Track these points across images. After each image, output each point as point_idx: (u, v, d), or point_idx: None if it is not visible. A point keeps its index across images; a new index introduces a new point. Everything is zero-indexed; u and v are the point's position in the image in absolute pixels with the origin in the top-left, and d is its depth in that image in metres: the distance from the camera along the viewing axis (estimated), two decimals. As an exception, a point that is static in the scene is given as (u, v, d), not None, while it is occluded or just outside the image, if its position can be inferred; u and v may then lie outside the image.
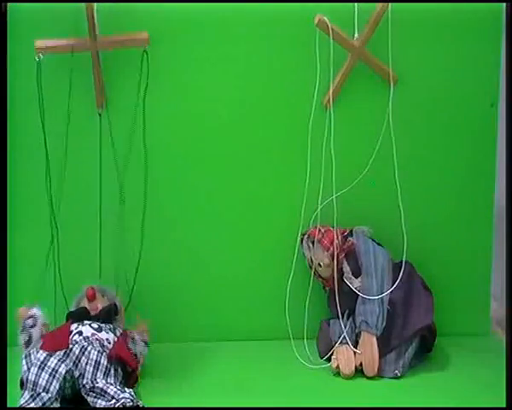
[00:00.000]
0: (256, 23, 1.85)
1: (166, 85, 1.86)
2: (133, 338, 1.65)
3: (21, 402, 1.42)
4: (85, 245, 1.91)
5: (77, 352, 1.51)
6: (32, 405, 1.41)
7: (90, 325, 1.61)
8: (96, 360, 1.51)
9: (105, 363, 1.51)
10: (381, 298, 1.75)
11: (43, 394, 1.42)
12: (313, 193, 1.87)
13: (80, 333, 1.57)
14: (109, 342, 1.58)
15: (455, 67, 1.95)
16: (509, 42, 1.83)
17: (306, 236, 1.88)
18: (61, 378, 1.45)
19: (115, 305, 1.74)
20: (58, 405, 1.44)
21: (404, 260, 1.83)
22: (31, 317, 1.63)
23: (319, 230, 1.83)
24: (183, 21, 1.82)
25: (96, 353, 1.52)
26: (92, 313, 1.68)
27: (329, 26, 1.76)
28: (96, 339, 1.56)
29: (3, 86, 1.77)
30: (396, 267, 1.79)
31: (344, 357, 1.71)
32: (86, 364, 1.50)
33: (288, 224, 1.89)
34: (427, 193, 1.99)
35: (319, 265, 1.84)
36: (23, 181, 1.89)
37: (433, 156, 1.98)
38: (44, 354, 1.48)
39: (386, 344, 1.72)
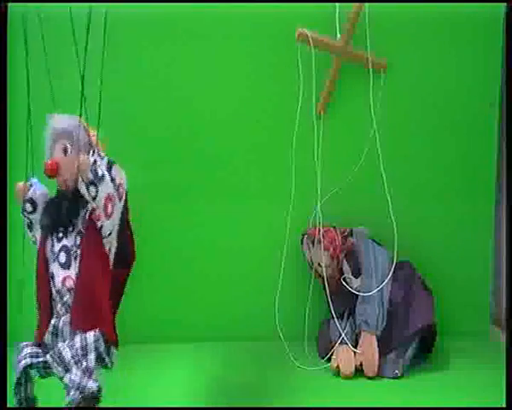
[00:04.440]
0: (238, 31, 1.89)
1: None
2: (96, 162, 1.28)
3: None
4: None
5: (50, 335, 1.29)
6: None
7: (57, 256, 1.29)
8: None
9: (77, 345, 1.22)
10: (381, 298, 1.75)
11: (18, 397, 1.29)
12: (311, 193, 1.88)
13: (53, 279, 1.28)
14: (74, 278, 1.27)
15: (454, 68, 1.96)
16: (508, 42, 1.83)
17: (306, 236, 1.88)
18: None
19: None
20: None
21: (396, 258, 1.83)
22: (30, 202, 1.34)
23: (319, 230, 1.83)
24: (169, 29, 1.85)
25: (68, 331, 1.26)
26: (61, 192, 1.31)
27: (310, 36, 1.80)
28: (67, 290, 1.26)
29: (3, 86, 1.77)
30: (396, 267, 1.79)
31: (344, 357, 1.71)
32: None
33: (288, 224, 1.89)
34: (427, 193, 2.00)
35: (319, 265, 1.84)
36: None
37: (433, 157, 1.99)
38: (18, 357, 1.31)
39: (386, 344, 1.72)
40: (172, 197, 1.91)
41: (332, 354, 1.75)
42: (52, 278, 1.28)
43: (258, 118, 1.93)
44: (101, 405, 1.22)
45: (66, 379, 1.20)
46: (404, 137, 1.97)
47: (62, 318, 1.27)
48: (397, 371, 1.69)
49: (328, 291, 1.80)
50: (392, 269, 1.77)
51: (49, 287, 1.29)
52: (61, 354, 1.21)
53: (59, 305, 1.28)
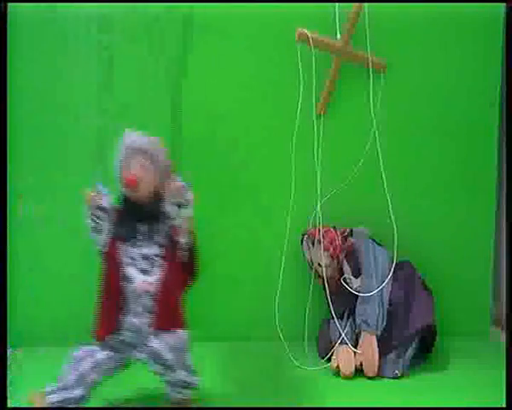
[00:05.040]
0: (237, 31, 1.89)
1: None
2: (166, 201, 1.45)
3: (46, 389, 1.40)
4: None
5: (129, 338, 1.42)
6: (56, 397, 1.38)
7: (136, 261, 1.42)
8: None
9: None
10: (381, 298, 1.75)
11: (67, 390, 1.40)
12: (311, 193, 1.88)
13: (129, 281, 1.41)
14: (155, 285, 1.42)
15: (454, 68, 1.96)
16: (508, 42, 1.83)
17: (306, 236, 1.88)
18: (88, 387, 1.41)
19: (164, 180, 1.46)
20: (81, 404, 1.41)
21: (396, 258, 1.83)
22: (102, 209, 1.44)
23: (319, 230, 1.83)
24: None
25: (147, 330, 1.41)
26: (138, 204, 1.44)
27: (310, 36, 1.80)
28: (145, 293, 1.40)
29: (3, 86, 1.77)
30: (396, 267, 1.79)
31: (344, 357, 1.71)
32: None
33: (288, 224, 1.89)
34: (427, 193, 2.00)
35: (319, 265, 1.84)
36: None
37: (434, 157, 1.99)
38: (82, 353, 1.42)
39: (386, 344, 1.72)
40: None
41: (332, 354, 1.75)
42: (127, 280, 1.41)
43: (258, 118, 1.93)
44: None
45: (169, 377, 1.41)
46: (404, 137, 1.97)
47: (142, 319, 1.41)
48: (397, 372, 1.69)
49: (328, 291, 1.80)
50: (392, 269, 1.77)
51: (120, 288, 1.41)
52: (160, 354, 1.39)
53: (136, 305, 1.41)
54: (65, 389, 1.40)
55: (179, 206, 1.44)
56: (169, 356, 1.40)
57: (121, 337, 1.42)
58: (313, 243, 1.85)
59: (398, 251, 1.76)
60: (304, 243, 1.90)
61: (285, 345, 1.81)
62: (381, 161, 1.84)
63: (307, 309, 1.94)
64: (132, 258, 1.43)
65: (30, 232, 1.90)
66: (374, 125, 1.88)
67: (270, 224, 1.96)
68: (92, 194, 1.43)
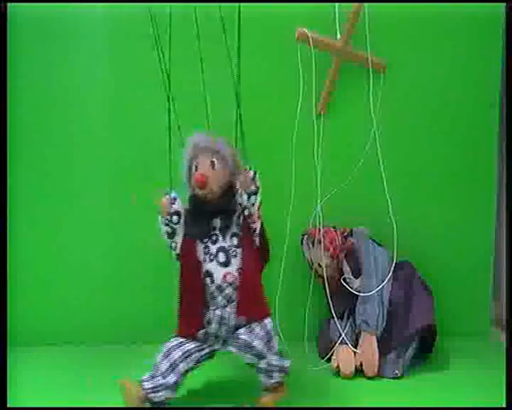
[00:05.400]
0: (235, 31, 1.88)
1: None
2: (238, 192, 1.53)
3: (143, 377, 1.45)
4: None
5: (216, 329, 1.48)
6: (149, 385, 1.43)
7: (215, 256, 1.48)
8: (236, 325, 1.48)
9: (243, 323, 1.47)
10: (381, 298, 1.75)
11: (161, 381, 1.44)
12: (311, 193, 1.88)
13: (210, 276, 1.46)
14: (237, 275, 1.48)
15: (454, 68, 1.96)
16: (509, 42, 1.83)
17: (306, 236, 1.88)
18: (179, 374, 1.46)
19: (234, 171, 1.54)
20: (169, 395, 1.45)
21: (396, 258, 1.83)
22: (176, 214, 1.50)
23: (319, 230, 1.83)
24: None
25: (233, 319, 1.47)
26: (209, 202, 1.50)
27: (310, 36, 1.80)
28: (228, 285, 1.46)
29: (3, 86, 1.77)
30: (396, 267, 1.78)
31: (344, 357, 1.71)
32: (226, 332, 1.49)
33: (288, 224, 1.89)
34: (427, 193, 2.00)
35: (319, 265, 1.84)
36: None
37: (434, 157, 1.99)
38: (174, 343, 1.48)
39: (386, 344, 1.72)
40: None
41: (332, 354, 1.75)
42: (209, 275, 1.47)
43: (258, 118, 1.93)
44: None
45: (263, 365, 1.47)
46: (404, 137, 1.97)
47: (227, 309, 1.47)
48: (397, 372, 1.69)
49: (328, 291, 1.80)
50: (392, 269, 1.77)
51: (202, 284, 1.47)
52: (250, 344, 1.45)
53: (219, 298, 1.46)
54: (158, 376, 1.45)
55: (251, 194, 1.51)
56: (258, 345, 1.45)
57: (207, 330, 1.48)
58: (313, 243, 1.85)
59: (398, 251, 1.76)
60: (304, 243, 1.90)
61: (285, 345, 1.81)
62: (380, 160, 1.84)
63: (307, 309, 1.94)
64: (211, 253, 1.48)
65: (30, 232, 1.90)
66: (374, 125, 1.88)
67: (270, 224, 1.95)
68: (165, 200, 1.48)
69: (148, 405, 1.45)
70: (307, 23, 1.82)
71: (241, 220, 1.54)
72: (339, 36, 1.85)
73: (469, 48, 1.95)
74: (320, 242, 1.81)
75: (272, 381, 1.49)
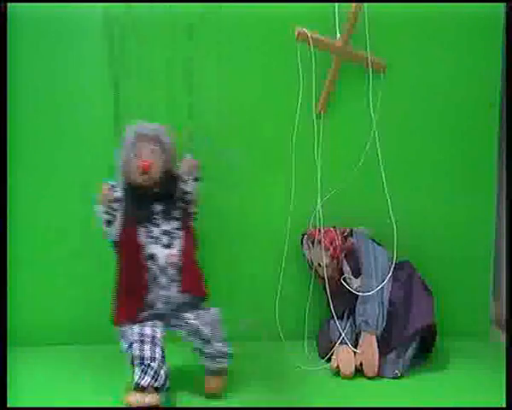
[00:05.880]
0: (237, 31, 1.89)
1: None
2: (182, 178, 1.61)
3: (135, 379, 1.45)
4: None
5: (162, 309, 1.54)
6: (147, 379, 1.44)
7: (159, 238, 1.54)
8: (180, 303, 1.55)
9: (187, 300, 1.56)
10: (381, 298, 1.75)
11: (152, 364, 1.46)
12: (312, 193, 1.88)
13: (154, 258, 1.53)
14: (178, 256, 1.55)
15: (454, 68, 1.96)
16: (509, 42, 1.83)
17: (306, 236, 1.88)
18: (160, 343, 1.49)
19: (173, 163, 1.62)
20: (166, 368, 1.49)
21: (396, 258, 1.83)
22: (116, 201, 1.56)
23: (319, 230, 1.83)
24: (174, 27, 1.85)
25: (177, 297, 1.54)
26: (147, 188, 1.57)
27: (310, 36, 1.80)
28: (171, 265, 1.53)
29: (3, 86, 1.77)
30: (396, 267, 1.78)
31: (344, 357, 1.71)
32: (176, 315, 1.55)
33: (288, 223, 1.89)
34: (427, 193, 2.00)
35: (319, 265, 1.84)
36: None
37: (434, 157, 1.99)
38: (138, 329, 1.50)
39: (386, 344, 1.72)
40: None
41: (332, 354, 1.75)
42: (152, 258, 1.53)
43: (257, 118, 1.93)
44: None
45: (209, 349, 1.56)
46: (404, 137, 1.97)
47: (171, 288, 1.54)
48: (397, 372, 1.69)
49: (328, 291, 1.80)
50: (392, 269, 1.77)
51: (145, 268, 1.53)
52: (199, 330, 1.54)
53: (164, 279, 1.53)
54: (147, 364, 1.46)
55: (192, 181, 1.61)
56: (206, 330, 1.54)
57: (154, 311, 1.53)
58: (313, 243, 1.85)
59: (398, 251, 1.76)
60: (304, 243, 1.90)
61: (285, 345, 1.81)
62: (380, 160, 1.84)
63: (307, 309, 1.94)
64: (154, 236, 1.55)
65: (30, 232, 1.90)
66: (374, 125, 1.88)
67: (270, 224, 1.95)
68: (105, 188, 1.53)
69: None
70: (307, 23, 1.82)
71: (181, 205, 1.61)
72: (339, 36, 1.85)
73: (469, 48, 1.95)
74: (320, 242, 1.81)
75: (217, 365, 1.57)
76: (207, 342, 1.55)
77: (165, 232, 1.56)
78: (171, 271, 1.54)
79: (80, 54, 1.86)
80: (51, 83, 1.87)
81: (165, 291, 1.54)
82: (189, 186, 1.61)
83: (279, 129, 1.90)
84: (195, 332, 1.54)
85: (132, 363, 1.48)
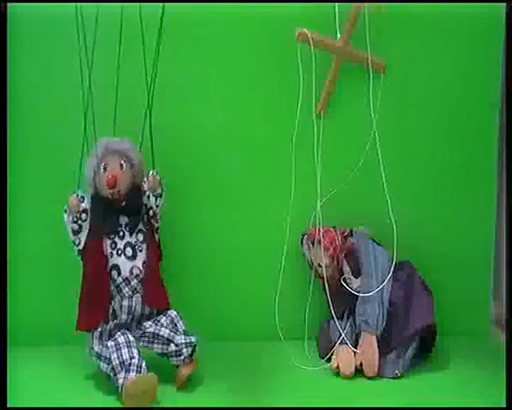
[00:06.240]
0: (237, 31, 1.88)
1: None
2: (145, 193, 1.67)
3: (120, 382, 1.48)
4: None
5: (124, 319, 1.61)
6: (132, 374, 1.48)
7: (123, 250, 1.62)
8: (142, 313, 1.64)
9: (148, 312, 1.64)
10: (381, 298, 1.75)
11: (132, 361, 1.50)
12: (312, 193, 1.87)
13: (117, 269, 1.60)
14: (142, 268, 1.63)
15: (454, 68, 1.96)
16: (509, 42, 1.83)
17: (306, 236, 1.88)
18: (135, 343, 1.56)
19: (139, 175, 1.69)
20: (144, 362, 1.52)
21: (396, 258, 1.83)
22: (84, 211, 1.63)
23: (319, 230, 1.83)
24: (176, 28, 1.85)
25: (139, 308, 1.62)
26: (114, 201, 1.64)
27: (310, 36, 1.80)
28: (134, 277, 1.61)
29: (3, 86, 1.77)
30: (396, 267, 1.78)
31: (344, 357, 1.71)
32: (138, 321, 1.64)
33: (287, 223, 1.89)
34: (427, 193, 2.00)
35: (319, 265, 1.84)
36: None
37: (434, 157, 1.99)
38: (111, 342, 1.54)
39: (386, 344, 1.72)
40: (168, 197, 1.90)
41: (332, 354, 1.75)
42: (116, 269, 1.60)
43: (257, 118, 1.93)
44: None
45: (172, 347, 1.59)
46: (404, 137, 1.97)
47: (133, 298, 1.61)
48: (397, 372, 1.69)
49: (328, 291, 1.80)
50: (392, 269, 1.77)
51: (108, 278, 1.59)
52: (158, 334, 1.59)
53: (126, 289, 1.60)
54: (128, 363, 1.50)
55: (157, 196, 1.67)
56: (164, 332, 1.59)
57: (117, 321, 1.61)
58: (313, 243, 1.85)
59: (398, 251, 1.76)
60: (304, 243, 1.90)
61: (285, 345, 1.81)
62: (380, 160, 1.84)
63: (307, 309, 1.94)
64: (119, 248, 1.62)
65: (30, 232, 1.90)
66: (374, 125, 1.88)
67: (270, 224, 1.95)
68: (74, 199, 1.60)
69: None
70: (307, 23, 1.82)
71: (145, 219, 1.68)
72: (339, 36, 1.85)
73: (469, 48, 1.95)
74: (320, 242, 1.81)
75: (182, 357, 1.59)
76: (169, 341, 1.59)
77: (130, 244, 1.63)
78: (133, 282, 1.60)
79: (80, 54, 1.86)
80: (51, 83, 1.87)
81: (128, 301, 1.60)
82: (152, 201, 1.66)
83: (279, 129, 1.90)
84: (154, 338, 1.60)
85: (114, 373, 1.51)
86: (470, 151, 1.99)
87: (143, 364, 1.51)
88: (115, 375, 1.50)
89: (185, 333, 1.62)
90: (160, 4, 1.73)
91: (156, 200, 1.67)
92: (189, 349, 1.59)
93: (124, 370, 1.49)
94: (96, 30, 1.68)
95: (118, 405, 1.50)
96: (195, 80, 1.91)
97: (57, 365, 1.76)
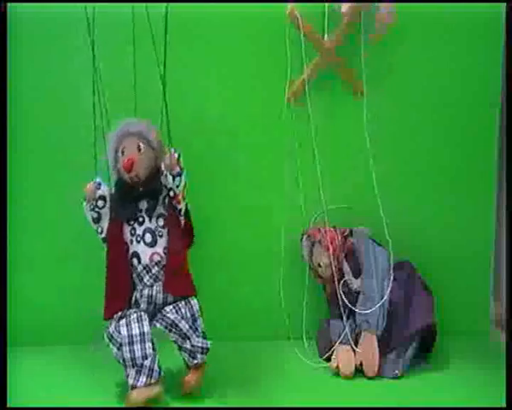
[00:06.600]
0: (235, 32, 1.88)
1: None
2: (163, 173, 1.58)
3: (130, 382, 1.46)
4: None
5: (145, 304, 1.56)
6: (142, 379, 1.45)
7: (142, 237, 1.56)
8: (164, 302, 1.56)
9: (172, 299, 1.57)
10: (382, 298, 1.75)
11: (144, 362, 1.46)
12: (312, 193, 1.88)
13: (137, 257, 1.56)
14: (163, 255, 1.57)
15: (454, 68, 1.96)
16: (509, 42, 1.83)
17: (306, 236, 1.88)
18: (149, 336, 1.49)
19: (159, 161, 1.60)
20: (157, 357, 1.49)
21: (396, 258, 1.83)
22: (101, 198, 1.58)
23: (319, 230, 1.83)
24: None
25: (161, 297, 1.56)
26: (135, 185, 1.58)
27: (299, 18, 1.78)
28: (155, 264, 1.56)
29: (4, 86, 1.77)
30: (396, 267, 1.79)
31: (344, 357, 1.71)
32: (161, 309, 1.56)
33: (287, 224, 1.90)
34: (427, 193, 2.00)
35: (319, 265, 1.84)
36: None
37: (434, 157, 1.99)
38: (125, 331, 1.48)
39: (386, 344, 1.72)
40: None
41: (332, 354, 1.75)
42: (136, 256, 1.55)
43: (257, 118, 1.93)
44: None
45: (187, 345, 1.55)
46: (405, 136, 1.96)
47: (154, 287, 1.55)
48: (397, 372, 1.69)
49: (328, 292, 1.80)
50: (392, 269, 1.77)
51: (129, 265, 1.55)
52: (177, 325, 1.53)
53: (146, 277, 1.55)
54: (140, 364, 1.46)
55: (176, 175, 1.55)
56: (184, 326, 1.53)
57: (137, 310, 1.54)
58: (313, 244, 1.85)
59: (398, 251, 1.76)
60: (304, 242, 1.90)
61: (285, 345, 1.81)
62: (380, 161, 1.84)
63: (307, 309, 1.94)
64: (138, 235, 1.56)
65: (30, 232, 1.90)
66: (374, 125, 1.87)
67: (269, 224, 1.95)
68: (91, 186, 1.55)
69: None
70: (307, 23, 1.81)
71: (166, 201, 1.59)
72: (326, 37, 1.83)
73: (469, 48, 1.95)
74: (320, 242, 1.81)
75: (195, 361, 1.56)
76: (186, 338, 1.54)
77: (149, 230, 1.56)
78: (155, 270, 1.55)
79: (80, 54, 1.86)
80: (51, 83, 1.87)
81: (148, 290, 1.55)
82: (171, 182, 1.56)
83: (279, 129, 1.90)
84: (173, 327, 1.53)
85: (124, 364, 1.48)
86: (470, 151, 1.99)
87: (156, 365, 1.47)
88: (125, 367, 1.48)
89: (203, 335, 1.58)
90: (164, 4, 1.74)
91: (174, 179, 1.54)
92: (204, 356, 1.57)
93: (135, 370, 1.46)
94: (94, 31, 1.67)
95: (118, 405, 1.50)
96: (195, 80, 1.90)
97: (57, 364, 1.77)
